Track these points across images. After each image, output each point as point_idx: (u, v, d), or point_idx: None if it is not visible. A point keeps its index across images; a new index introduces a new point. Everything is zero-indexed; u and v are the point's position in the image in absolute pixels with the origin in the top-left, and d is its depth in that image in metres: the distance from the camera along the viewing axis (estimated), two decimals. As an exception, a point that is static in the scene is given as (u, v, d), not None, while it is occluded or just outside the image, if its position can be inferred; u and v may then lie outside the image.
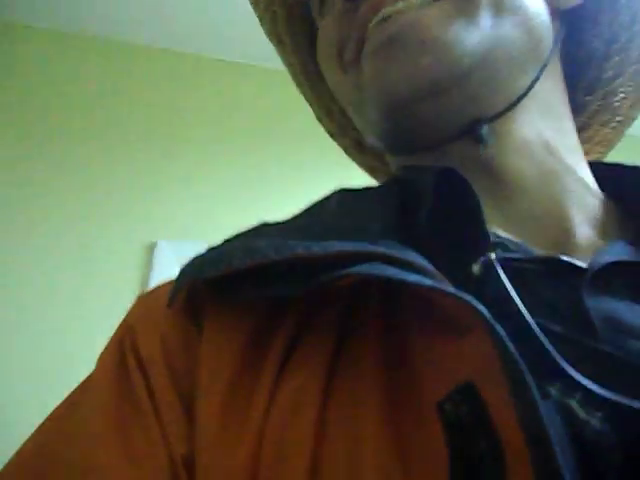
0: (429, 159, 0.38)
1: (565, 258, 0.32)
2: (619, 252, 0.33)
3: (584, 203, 0.37)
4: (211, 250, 0.34)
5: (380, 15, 0.35)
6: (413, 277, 0.25)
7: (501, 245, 0.33)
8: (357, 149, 0.53)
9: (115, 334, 0.34)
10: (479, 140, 0.36)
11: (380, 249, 0.27)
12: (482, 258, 0.30)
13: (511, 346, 0.22)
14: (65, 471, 0.28)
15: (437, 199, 0.33)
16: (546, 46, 0.38)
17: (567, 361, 0.26)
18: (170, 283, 0.35)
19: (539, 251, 0.34)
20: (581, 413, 0.24)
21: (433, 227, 0.33)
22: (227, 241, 0.35)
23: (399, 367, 0.27)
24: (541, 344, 0.26)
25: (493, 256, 0.30)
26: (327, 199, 0.38)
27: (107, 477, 0.27)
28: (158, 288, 0.37)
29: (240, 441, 0.27)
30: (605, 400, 0.24)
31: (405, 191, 0.36)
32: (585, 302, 0.29)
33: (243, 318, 0.31)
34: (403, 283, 0.25)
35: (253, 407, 0.28)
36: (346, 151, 0.54)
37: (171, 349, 0.32)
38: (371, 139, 0.41)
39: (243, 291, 0.30)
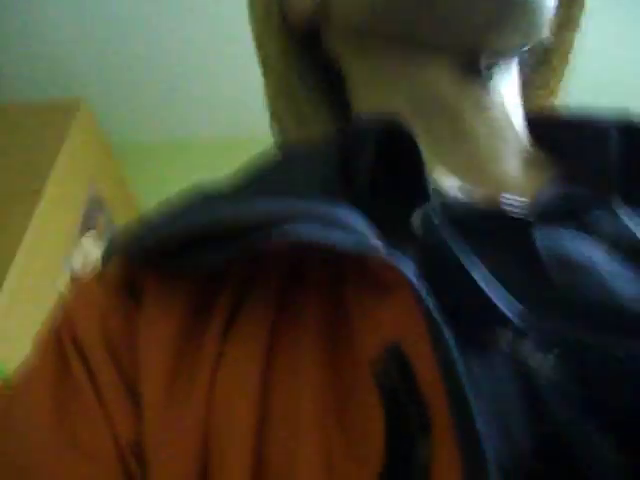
0: (410, 67, 0.37)
1: (506, 201, 0.32)
2: (555, 189, 0.34)
3: (520, 151, 0.38)
4: (140, 223, 0.32)
5: None
6: (335, 236, 0.24)
7: (440, 194, 0.32)
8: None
9: (51, 324, 0.33)
10: (485, 70, 0.36)
11: (302, 206, 0.26)
12: (420, 210, 0.29)
13: (432, 304, 0.22)
14: (10, 474, 0.26)
15: (378, 152, 0.32)
16: None
17: (520, 305, 0.25)
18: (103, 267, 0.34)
19: (480, 195, 0.33)
20: (532, 361, 0.23)
21: (373, 180, 0.32)
22: (158, 213, 0.34)
23: (337, 325, 0.27)
24: (484, 294, 0.25)
25: (432, 207, 0.29)
26: (270, 157, 0.36)
27: (55, 477, 0.26)
28: (91, 272, 0.36)
29: (185, 417, 0.26)
30: (560, 340, 0.23)
31: (347, 144, 0.34)
32: (535, 242, 0.29)
33: (181, 290, 0.30)
34: (324, 245, 0.24)
35: (197, 381, 0.27)
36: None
37: (110, 329, 0.30)
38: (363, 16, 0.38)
39: (174, 263, 0.29)
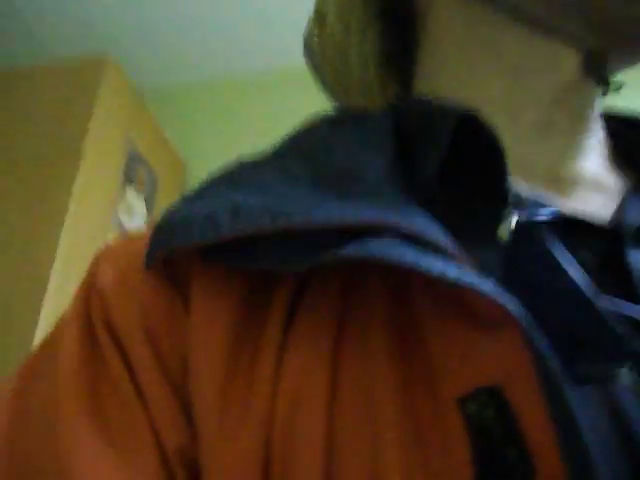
0: (529, 51, 0.32)
1: (592, 211, 0.29)
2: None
3: (600, 155, 0.35)
4: (190, 204, 0.28)
5: None
6: (437, 266, 0.22)
7: (523, 201, 0.28)
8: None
9: (78, 299, 0.29)
10: (605, 75, 0.32)
11: (392, 219, 0.24)
12: (510, 219, 0.26)
13: (546, 351, 0.20)
14: (31, 474, 0.24)
15: (450, 146, 0.28)
16: None
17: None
18: (140, 238, 0.31)
19: (558, 200, 0.30)
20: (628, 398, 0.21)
21: (444, 179, 0.28)
22: (206, 189, 0.30)
23: (411, 351, 0.24)
24: (604, 322, 0.22)
25: (522, 217, 0.26)
26: (313, 129, 0.33)
27: None
28: (126, 244, 0.32)
29: (246, 421, 0.24)
30: None
31: (411, 125, 0.31)
32: (628, 262, 0.26)
33: (233, 283, 0.27)
34: (426, 273, 0.22)
35: (256, 382, 0.25)
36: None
37: (153, 321, 0.27)
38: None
39: (231, 258, 0.26)
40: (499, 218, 0.26)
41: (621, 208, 0.30)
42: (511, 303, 0.21)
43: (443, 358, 0.23)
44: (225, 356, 0.26)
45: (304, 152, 0.31)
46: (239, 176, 0.30)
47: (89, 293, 0.29)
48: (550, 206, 0.28)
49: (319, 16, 0.39)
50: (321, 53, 0.40)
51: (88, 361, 0.27)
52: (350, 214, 0.24)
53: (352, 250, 0.22)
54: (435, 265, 0.22)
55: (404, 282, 0.26)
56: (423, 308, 0.25)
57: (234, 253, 0.26)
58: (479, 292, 0.21)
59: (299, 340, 0.25)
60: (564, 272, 0.24)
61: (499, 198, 0.27)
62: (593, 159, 0.33)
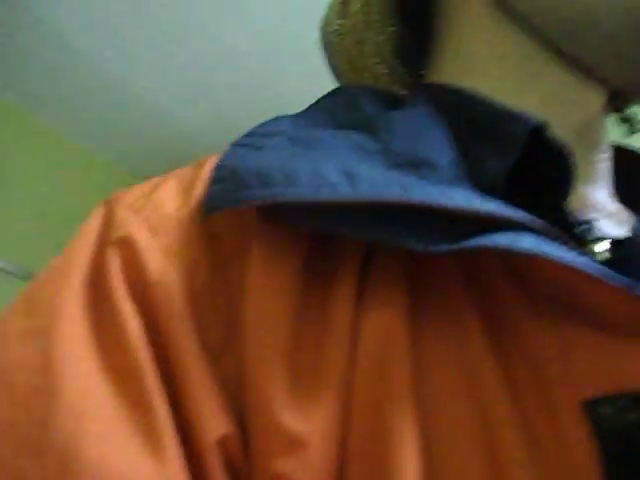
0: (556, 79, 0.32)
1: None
2: None
3: (607, 177, 0.35)
4: (255, 155, 0.26)
5: None
6: (593, 265, 0.21)
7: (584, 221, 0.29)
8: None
9: (84, 249, 0.25)
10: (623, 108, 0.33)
11: (532, 220, 0.23)
12: (600, 239, 0.27)
13: None
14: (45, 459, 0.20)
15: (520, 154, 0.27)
16: None
17: None
18: (162, 187, 0.27)
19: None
20: None
21: (510, 186, 0.28)
22: (265, 141, 0.27)
23: (505, 341, 0.23)
24: None
25: (622, 235, 0.27)
26: (357, 102, 0.32)
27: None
28: (148, 192, 0.28)
29: (319, 398, 0.22)
30: None
31: (461, 127, 0.30)
32: None
33: (294, 244, 0.25)
34: (571, 268, 0.21)
35: (329, 352, 0.23)
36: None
37: (197, 284, 0.24)
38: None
39: (332, 226, 0.24)
40: (579, 236, 0.27)
41: (636, 234, 0.30)
42: None
43: (554, 358, 0.23)
44: (290, 324, 0.23)
45: (360, 126, 0.30)
46: (304, 137, 0.28)
47: (103, 245, 0.25)
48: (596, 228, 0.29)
49: (342, 7, 0.39)
50: (339, 42, 0.40)
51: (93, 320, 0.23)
52: (486, 205, 0.23)
53: (506, 240, 0.22)
54: (578, 259, 0.22)
55: (476, 265, 0.25)
56: (512, 300, 0.24)
57: (321, 218, 0.24)
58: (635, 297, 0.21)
59: (375, 302, 0.24)
60: None
61: (556, 214, 0.27)
62: (602, 188, 0.34)
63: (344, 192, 0.23)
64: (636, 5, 0.28)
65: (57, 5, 1.60)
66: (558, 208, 0.27)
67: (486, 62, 0.33)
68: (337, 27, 0.39)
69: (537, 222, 0.23)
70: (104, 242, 0.25)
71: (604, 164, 0.34)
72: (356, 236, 0.25)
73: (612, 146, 0.37)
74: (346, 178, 0.24)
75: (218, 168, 0.26)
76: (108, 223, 0.26)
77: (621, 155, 0.37)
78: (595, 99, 0.33)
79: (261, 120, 0.30)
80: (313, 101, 0.34)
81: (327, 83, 0.40)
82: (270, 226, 0.25)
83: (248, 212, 0.26)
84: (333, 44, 0.40)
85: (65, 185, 1.99)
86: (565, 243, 0.23)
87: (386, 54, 0.38)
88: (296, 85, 1.74)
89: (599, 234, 0.28)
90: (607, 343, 0.22)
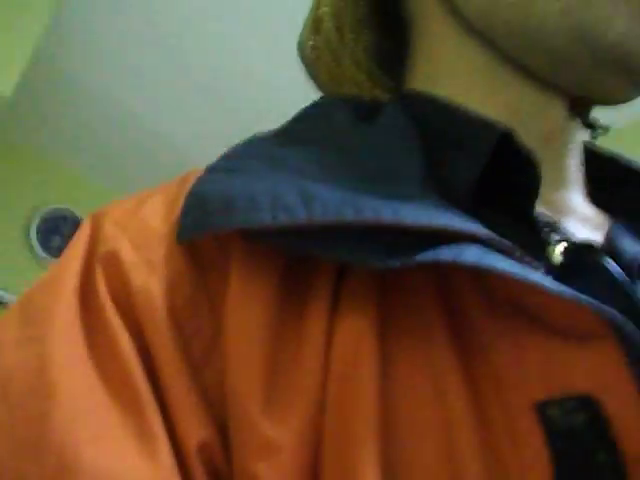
0: (526, 94, 0.33)
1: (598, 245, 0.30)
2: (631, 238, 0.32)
3: (579, 181, 0.36)
4: (226, 179, 0.27)
5: None
6: (533, 276, 0.22)
7: (552, 225, 0.30)
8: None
9: (74, 262, 0.26)
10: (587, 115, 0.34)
11: (480, 231, 0.24)
12: (561, 242, 0.28)
13: None
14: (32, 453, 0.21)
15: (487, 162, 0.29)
16: None
17: None
18: (147, 203, 0.29)
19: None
20: None
21: (477, 194, 0.29)
22: (237, 165, 0.28)
23: (470, 348, 0.25)
24: None
25: (570, 240, 0.28)
26: (327, 115, 0.33)
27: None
28: (132, 208, 0.29)
29: (294, 405, 0.23)
30: None
31: (433, 136, 0.31)
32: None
33: (271, 262, 0.26)
34: (523, 281, 0.22)
35: (303, 362, 0.24)
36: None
37: (179, 299, 0.25)
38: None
39: (289, 243, 0.25)
40: (543, 239, 0.28)
41: (610, 239, 0.31)
42: (615, 313, 0.21)
43: (511, 362, 0.24)
44: (267, 336, 0.24)
45: (329, 142, 0.31)
46: (272, 157, 0.29)
47: (91, 259, 0.26)
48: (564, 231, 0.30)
49: (315, 23, 0.40)
50: (316, 58, 0.41)
51: (86, 328, 0.24)
52: (437, 220, 0.24)
53: (450, 255, 0.23)
54: (531, 274, 0.22)
55: (445, 276, 0.26)
56: (477, 308, 0.25)
57: (285, 237, 0.25)
58: (579, 304, 0.22)
59: (346, 318, 0.25)
60: (632, 291, 0.25)
61: (524, 219, 0.28)
62: (576, 192, 0.35)
63: (299, 216, 0.24)
64: (570, 5, 0.28)
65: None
66: (526, 213, 0.28)
67: (454, 72, 0.34)
68: (312, 42, 0.40)
69: (488, 234, 0.24)
70: (92, 255, 0.27)
71: (575, 169, 0.35)
72: (322, 256, 0.26)
73: (585, 149, 0.38)
74: (302, 200, 0.25)
75: (189, 195, 0.27)
76: (95, 237, 0.27)
77: (592, 157, 0.38)
78: (558, 107, 0.33)
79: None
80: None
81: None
82: (247, 244, 0.26)
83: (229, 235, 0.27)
84: (310, 58, 0.41)
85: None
86: (512, 253, 0.24)
87: (363, 62, 0.39)
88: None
89: (563, 237, 0.29)
90: (558, 348, 0.23)
